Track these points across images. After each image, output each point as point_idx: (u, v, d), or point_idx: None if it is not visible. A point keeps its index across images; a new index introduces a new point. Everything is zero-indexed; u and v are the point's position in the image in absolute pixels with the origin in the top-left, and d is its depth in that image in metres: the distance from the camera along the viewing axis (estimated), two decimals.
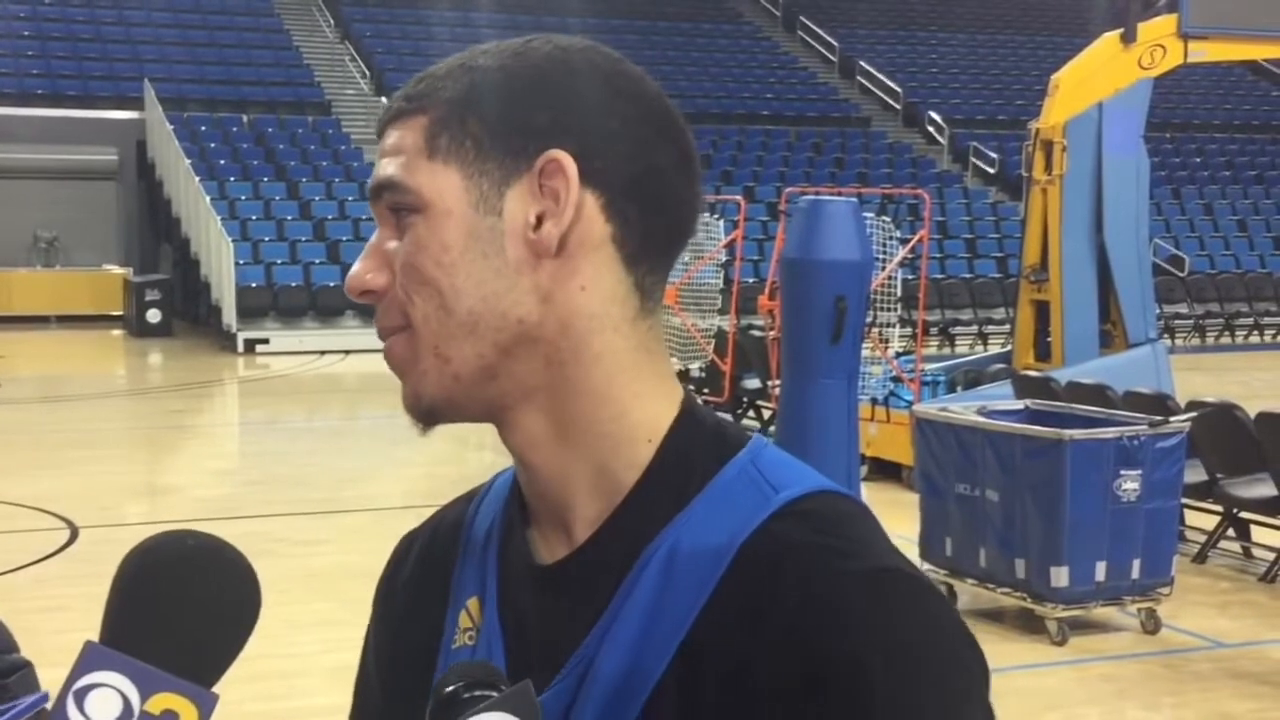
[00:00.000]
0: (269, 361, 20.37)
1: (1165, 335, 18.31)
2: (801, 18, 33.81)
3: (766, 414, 12.72)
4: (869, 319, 9.81)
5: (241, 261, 21.72)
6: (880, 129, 30.34)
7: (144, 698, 0.92)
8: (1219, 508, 8.65)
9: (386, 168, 1.05)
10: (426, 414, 1.06)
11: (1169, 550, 7.27)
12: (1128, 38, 11.92)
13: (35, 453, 12.60)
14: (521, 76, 1.04)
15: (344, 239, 22.80)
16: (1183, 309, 23.47)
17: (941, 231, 24.72)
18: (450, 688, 0.94)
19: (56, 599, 7.36)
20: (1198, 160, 30.64)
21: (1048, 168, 11.73)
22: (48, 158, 25.67)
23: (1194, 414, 7.87)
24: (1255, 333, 23.80)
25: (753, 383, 13.29)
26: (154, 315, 22.79)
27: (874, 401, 11.10)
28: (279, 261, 22.37)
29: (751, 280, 17.79)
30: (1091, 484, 6.90)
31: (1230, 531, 8.69)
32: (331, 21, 30.83)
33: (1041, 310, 12.16)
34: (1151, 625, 7.15)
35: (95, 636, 0.95)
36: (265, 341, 21.19)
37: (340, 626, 7.01)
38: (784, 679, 0.94)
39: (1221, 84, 33.47)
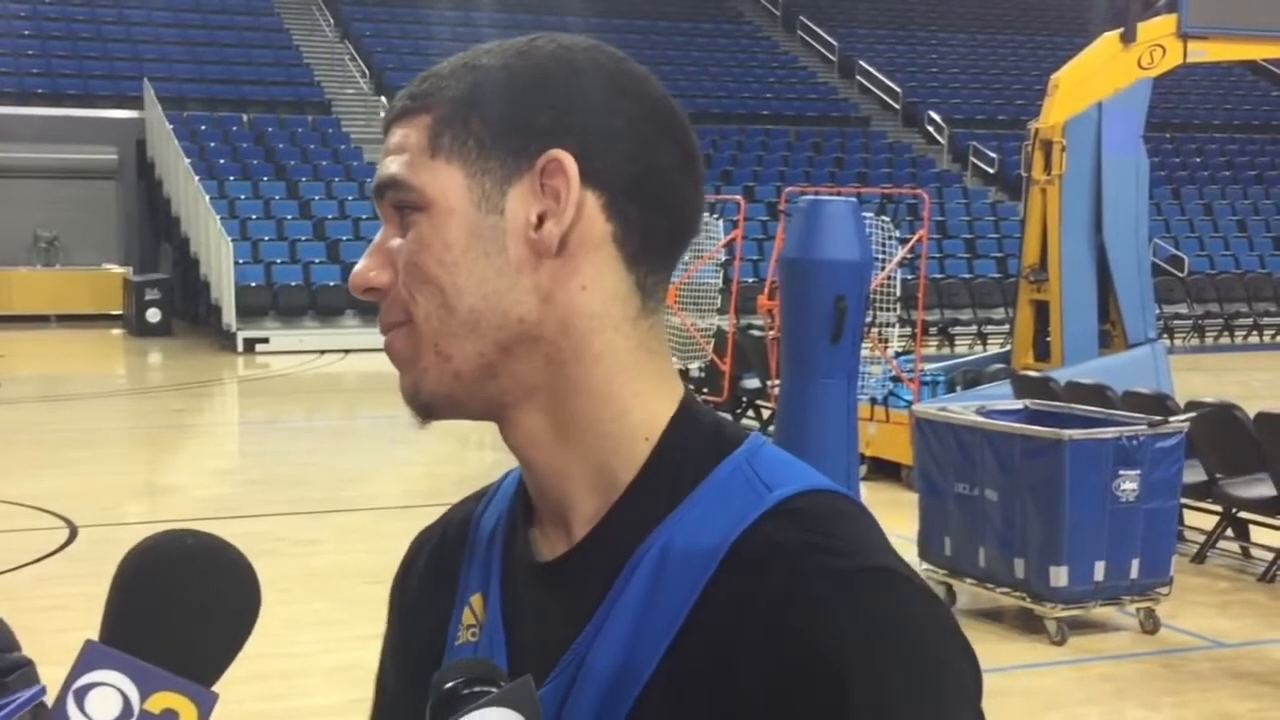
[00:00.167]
0: (269, 361, 20.37)
1: (1164, 335, 18.31)
2: (801, 17, 33.81)
3: (766, 414, 12.73)
4: (868, 319, 9.81)
5: (241, 261, 21.72)
6: (880, 129, 30.34)
7: (144, 696, 0.92)
8: (1218, 508, 8.66)
9: (390, 166, 1.06)
10: (425, 409, 1.06)
11: (1168, 550, 7.27)
12: (1127, 38, 11.92)
13: (35, 452, 12.60)
14: (524, 76, 1.04)
15: (344, 238, 22.81)
16: (1182, 309, 23.47)
17: (941, 231, 24.73)
18: (450, 683, 0.94)
19: (56, 598, 7.36)
20: (1197, 160, 30.64)
21: (1047, 168, 11.72)
22: (48, 157, 25.67)
23: (1193, 414, 7.87)
24: (1254, 333, 23.80)
25: (752, 382, 13.29)
26: (154, 314, 22.78)
27: (873, 401, 11.10)
28: (279, 261, 22.37)
29: (751, 280, 17.80)
30: (1091, 484, 6.90)
31: (1229, 531, 8.69)
32: (331, 21, 30.83)
33: (1041, 310, 12.16)
34: (1150, 625, 7.16)
35: (95, 635, 0.95)
36: (265, 341, 21.19)
37: (339, 626, 7.03)
38: (768, 677, 0.94)
39: (1221, 84, 33.47)
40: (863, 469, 10.18)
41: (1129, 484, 6.95)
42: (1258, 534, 8.66)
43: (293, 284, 21.93)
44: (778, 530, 0.99)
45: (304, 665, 6.45)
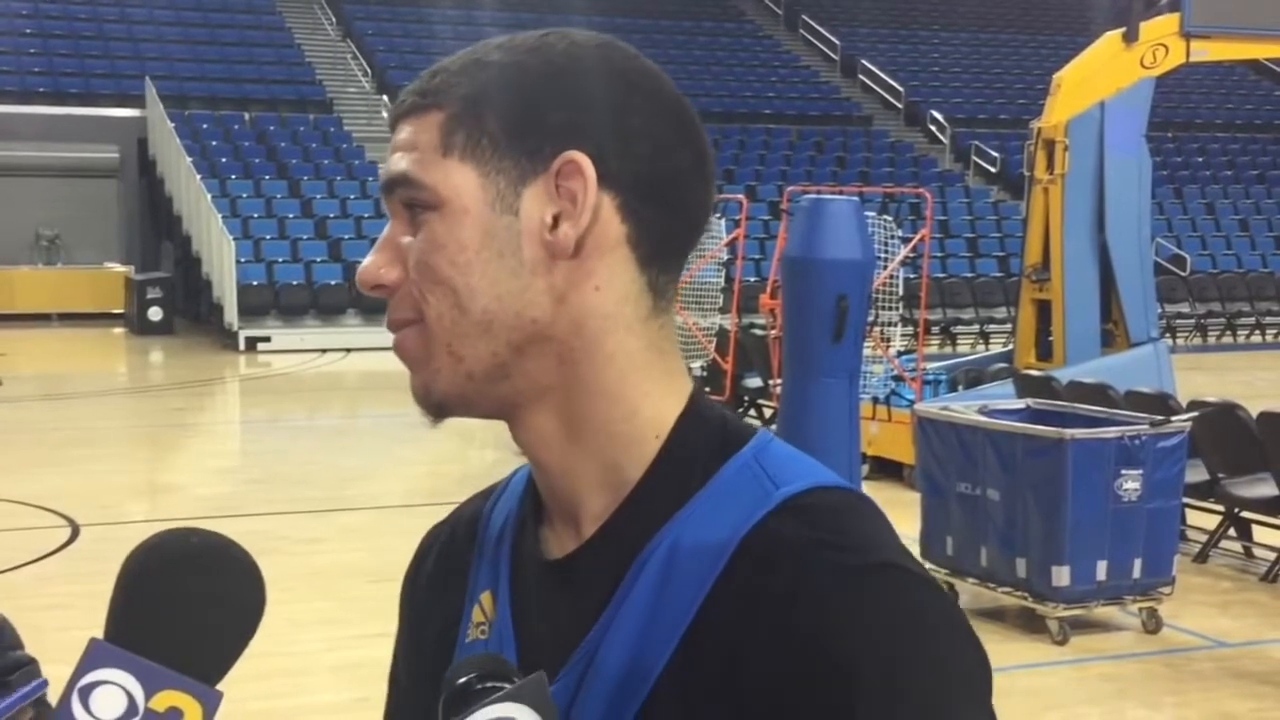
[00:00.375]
0: (270, 360, 20.37)
1: (1167, 335, 18.31)
2: (803, 16, 33.81)
3: (768, 413, 12.72)
4: (870, 318, 9.82)
5: (243, 259, 21.73)
6: (882, 128, 30.34)
7: (148, 695, 0.92)
8: (1220, 507, 8.65)
9: (400, 163, 1.05)
10: (437, 408, 1.06)
11: (1170, 550, 7.26)
12: (1130, 37, 11.92)
13: (36, 451, 12.60)
14: (539, 74, 1.03)
15: (346, 237, 22.81)
16: (1184, 308, 23.46)
17: (943, 230, 24.71)
18: (463, 679, 0.94)
19: (58, 597, 7.36)
20: (1200, 159, 30.63)
21: (1049, 167, 11.72)
22: (49, 155, 25.68)
23: (1195, 413, 7.87)
24: (1257, 332, 23.79)
25: (754, 381, 13.30)
26: (155, 313, 22.79)
27: (875, 400, 11.10)
28: (280, 260, 22.37)
29: (753, 279, 17.80)
30: (1093, 483, 6.90)
31: (1231, 531, 8.69)
32: (333, 19, 30.83)
33: (1043, 309, 12.16)
34: (1153, 625, 7.15)
35: (97, 634, 0.95)
36: (267, 340, 21.19)
37: (342, 625, 7.04)
38: (777, 674, 0.94)
39: (1224, 83, 33.45)
40: (865, 468, 10.19)
41: (1131, 483, 6.95)
42: (1260, 534, 8.66)
43: (294, 283, 21.93)
44: (786, 527, 0.98)
45: (306, 664, 6.46)
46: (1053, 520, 6.89)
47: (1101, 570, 6.95)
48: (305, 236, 23.12)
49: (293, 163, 25.03)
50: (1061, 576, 6.88)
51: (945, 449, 7.47)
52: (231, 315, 21.35)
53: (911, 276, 13.47)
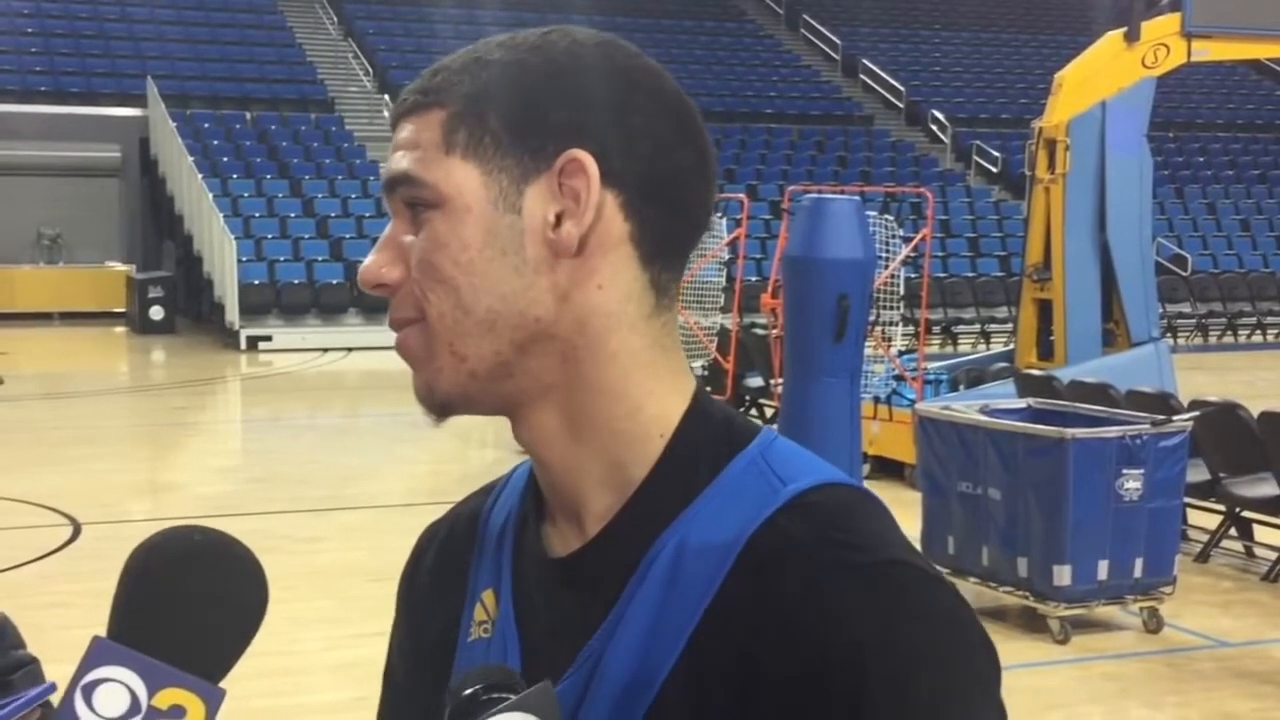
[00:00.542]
0: (271, 359, 20.37)
1: (1168, 334, 18.32)
2: (804, 16, 33.81)
3: (769, 412, 12.73)
4: (872, 317, 9.81)
5: (244, 259, 21.73)
6: (883, 127, 30.33)
7: (151, 693, 0.92)
8: (1221, 507, 8.65)
9: (401, 161, 1.04)
10: (440, 407, 1.06)
11: (1171, 549, 7.26)
12: (1131, 36, 11.92)
13: (38, 449, 12.61)
14: (541, 72, 1.03)
15: (347, 236, 22.82)
16: (1186, 308, 23.46)
17: (944, 230, 24.71)
18: (469, 689, 0.94)
19: (60, 595, 7.36)
20: (1201, 159, 30.63)
21: (1051, 166, 11.72)
22: (51, 155, 25.68)
23: (1196, 413, 7.86)
24: (1258, 332, 23.79)
25: (755, 381, 13.29)
26: (157, 312, 22.79)
27: (876, 400, 11.10)
28: (282, 259, 22.38)
29: (754, 278, 17.79)
30: (1094, 483, 6.89)
31: (1233, 531, 8.69)
32: (335, 19, 30.84)
33: (1044, 309, 12.16)
34: (1154, 624, 7.15)
35: (99, 632, 0.95)
36: (268, 339, 21.19)
37: (343, 624, 7.04)
38: (786, 674, 0.94)
39: (1225, 83, 33.45)
40: (866, 468, 10.19)
41: (1132, 483, 6.95)
42: (1261, 533, 8.66)
43: (295, 282, 21.94)
44: (794, 525, 0.98)
45: (307, 662, 6.46)
46: (1054, 520, 6.88)
47: (1103, 570, 6.95)
48: (306, 236, 23.13)
49: (294, 162, 25.04)
50: (1063, 576, 6.88)
51: (946, 448, 7.46)
52: (233, 314, 21.36)
53: (913, 276, 13.48)
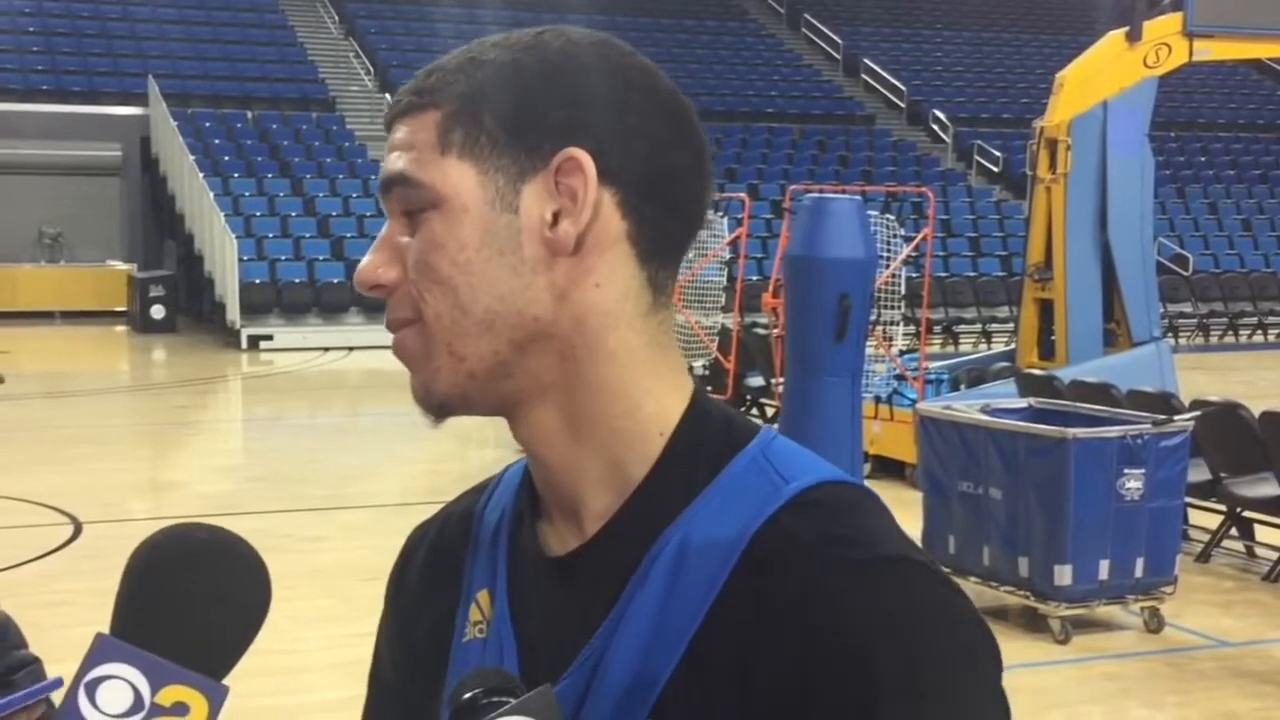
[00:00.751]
0: (272, 358, 20.38)
1: (1169, 334, 18.31)
2: (806, 15, 33.81)
3: (770, 411, 12.73)
4: (873, 317, 9.81)
5: (245, 258, 21.74)
6: (884, 127, 30.33)
7: (154, 690, 0.93)
8: (1222, 507, 8.65)
9: (397, 162, 1.04)
10: (439, 408, 1.05)
11: (1172, 549, 7.26)
12: (1133, 36, 11.91)
13: (39, 448, 12.62)
14: (536, 71, 1.03)
15: (348, 235, 22.83)
16: (1187, 308, 23.46)
17: (945, 230, 24.71)
18: (469, 693, 0.94)
19: (61, 594, 7.36)
20: (1202, 159, 30.62)
21: (1052, 166, 11.72)
22: (52, 153, 25.69)
23: (1198, 413, 7.86)
24: (1259, 332, 23.79)
25: (756, 380, 13.29)
26: (158, 311, 22.80)
27: (877, 399, 11.10)
28: (283, 258, 22.39)
29: (755, 278, 17.79)
30: (1095, 483, 6.89)
31: (1234, 531, 8.69)
32: (336, 18, 30.84)
33: (1045, 309, 12.16)
34: (1155, 624, 7.15)
35: (100, 631, 0.95)
36: (269, 338, 21.20)
37: (343, 622, 7.04)
38: (793, 671, 0.94)
39: (1226, 83, 33.45)
40: (867, 467, 10.19)
41: (1133, 483, 6.95)
42: (1262, 533, 8.66)
43: (296, 281, 21.95)
44: (797, 522, 0.98)
45: (308, 661, 6.46)
46: (1055, 519, 6.88)
47: (1104, 569, 6.95)
48: (307, 235, 23.14)
49: (295, 161, 25.04)
50: (1064, 576, 6.88)
51: (947, 448, 7.46)
52: (234, 313, 21.36)
53: (914, 275, 13.47)
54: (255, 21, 29.73)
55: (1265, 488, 8.26)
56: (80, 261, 25.98)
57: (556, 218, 1.01)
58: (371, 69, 28.77)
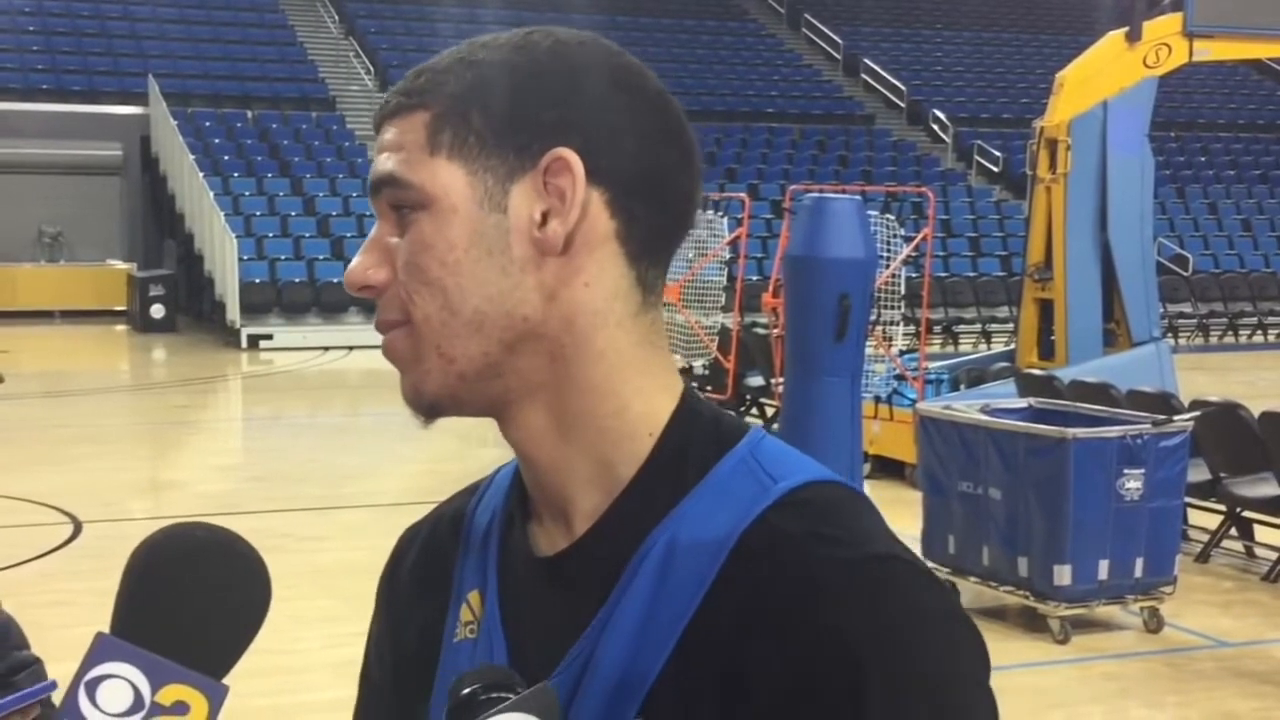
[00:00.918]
0: (272, 357, 20.38)
1: (1169, 334, 18.31)
2: (806, 15, 33.81)
3: (770, 411, 12.73)
4: (873, 317, 9.81)
5: (245, 257, 21.74)
6: (884, 127, 30.33)
7: (155, 689, 0.93)
8: (1222, 507, 8.65)
9: (386, 163, 1.04)
10: (429, 409, 1.06)
11: (1172, 549, 7.26)
12: (1133, 36, 11.91)
13: (39, 448, 12.62)
14: (525, 71, 1.03)
15: (348, 235, 22.82)
16: (1186, 308, 23.45)
17: (945, 230, 24.70)
18: (468, 689, 0.94)
19: (60, 593, 7.36)
20: (1202, 159, 30.62)
21: (1052, 166, 11.72)
22: (52, 153, 25.68)
23: (1197, 413, 7.86)
24: (1259, 332, 23.79)
25: (756, 380, 13.29)
26: (158, 311, 22.80)
27: (877, 399, 11.10)
28: (283, 257, 22.39)
29: (755, 278, 17.80)
30: (1095, 483, 6.89)
31: (1233, 531, 8.69)
32: (336, 17, 30.83)
33: (1045, 309, 12.16)
34: (1154, 624, 7.15)
35: (101, 630, 0.95)
36: (269, 337, 21.20)
37: (343, 622, 7.02)
38: (782, 669, 0.94)
39: (1226, 83, 33.44)
40: (866, 467, 10.19)
41: (1133, 483, 6.95)
42: (1262, 533, 8.66)
43: (296, 280, 21.95)
44: (785, 522, 0.98)
45: (308, 661, 6.47)
46: (1054, 519, 6.88)
47: (1103, 569, 6.95)
48: (307, 234, 23.14)
49: (295, 160, 25.04)
50: (1063, 575, 6.88)
51: (947, 448, 7.46)
52: (234, 313, 21.36)
53: (914, 275, 13.47)
54: (255, 21, 29.73)
55: (1265, 488, 8.26)
56: (80, 261, 25.98)
57: (545, 217, 1.01)
58: (371, 69, 28.77)
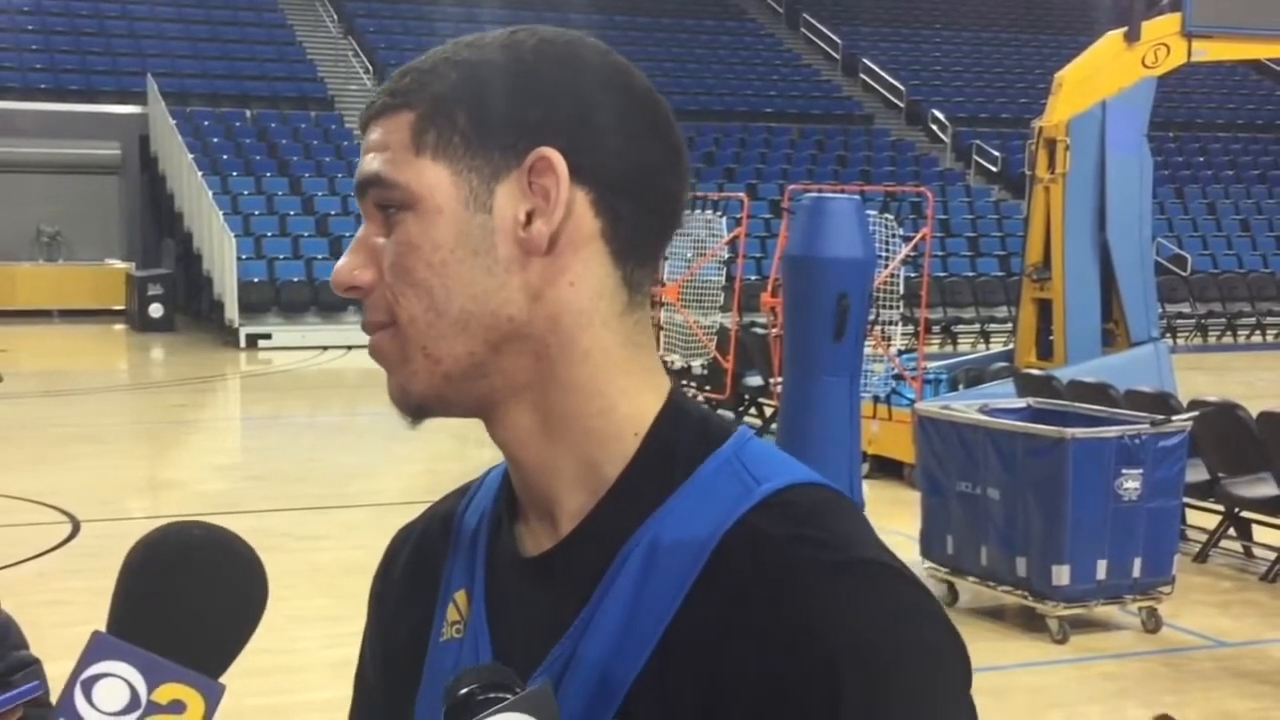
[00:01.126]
0: (271, 357, 20.38)
1: (1167, 334, 18.32)
2: (805, 15, 33.81)
3: (768, 411, 12.73)
4: (871, 317, 9.82)
5: (244, 256, 21.74)
6: (883, 127, 30.33)
7: (151, 688, 0.93)
8: (1220, 507, 8.66)
9: (372, 163, 1.04)
10: (415, 410, 1.06)
11: (1170, 549, 7.27)
12: (1131, 36, 11.92)
13: (37, 447, 12.61)
14: (510, 71, 1.03)
15: (347, 234, 22.77)
16: (1185, 308, 23.46)
17: (944, 229, 24.70)
18: (465, 689, 0.94)
19: (59, 593, 7.36)
20: (1201, 159, 30.63)
21: (1051, 166, 11.73)
22: (51, 152, 25.68)
23: (1196, 413, 7.87)
24: (1257, 332, 23.80)
25: (755, 380, 13.29)
26: (156, 310, 22.80)
27: (876, 399, 11.10)
28: (281, 256, 22.39)
29: (754, 278, 17.79)
30: (1093, 483, 6.90)
31: (1231, 531, 8.69)
32: (334, 16, 30.83)
33: (1044, 309, 12.17)
34: (1153, 624, 7.16)
35: (97, 629, 0.95)
36: (267, 336, 21.21)
37: (341, 621, 7.02)
38: (758, 671, 0.94)
39: (1225, 83, 33.45)
40: (865, 467, 10.18)
41: (1131, 483, 6.95)
42: (1260, 533, 8.66)
43: (295, 280, 21.95)
44: (767, 523, 0.98)
45: (306, 660, 6.47)
46: (1053, 519, 6.89)
47: (1101, 569, 6.96)
48: (306, 233, 23.13)
49: (294, 160, 25.04)
50: (1061, 575, 6.89)
51: (946, 448, 7.47)
52: (232, 312, 21.36)
53: (912, 275, 13.48)
54: (254, 20, 29.73)
55: (1263, 488, 8.26)
56: (79, 260, 25.97)
57: (530, 217, 1.01)
58: (370, 68, 28.76)
